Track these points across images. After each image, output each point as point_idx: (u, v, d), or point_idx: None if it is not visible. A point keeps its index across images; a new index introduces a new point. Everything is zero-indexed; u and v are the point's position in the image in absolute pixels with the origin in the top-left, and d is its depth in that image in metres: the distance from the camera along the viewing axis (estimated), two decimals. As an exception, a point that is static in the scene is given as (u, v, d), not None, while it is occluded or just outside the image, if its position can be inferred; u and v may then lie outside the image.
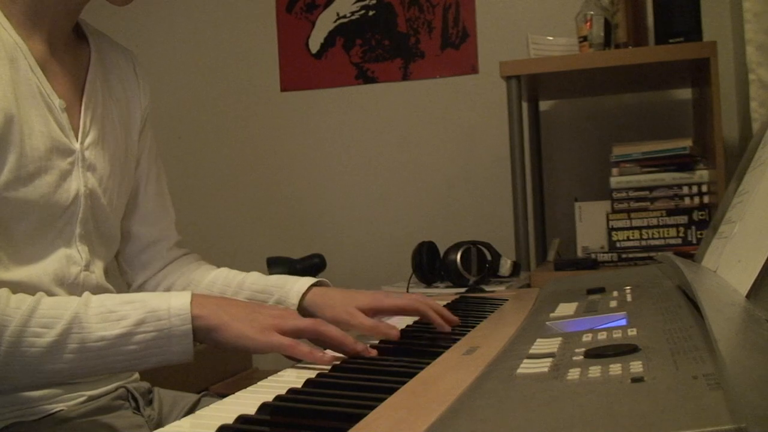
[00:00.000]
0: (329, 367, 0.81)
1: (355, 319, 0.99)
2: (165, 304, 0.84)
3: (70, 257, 0.96)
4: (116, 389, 1.04)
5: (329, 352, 0.86)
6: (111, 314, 0.83)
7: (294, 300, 1.06)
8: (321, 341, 0.88)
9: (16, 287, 0.86)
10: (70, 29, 1.02)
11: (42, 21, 0.95)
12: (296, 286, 1.08)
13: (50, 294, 0.88)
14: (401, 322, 1.06)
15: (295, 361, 0.87)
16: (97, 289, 0.99)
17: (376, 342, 0.93)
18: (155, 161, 1.18)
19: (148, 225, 1.16)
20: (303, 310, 1.06)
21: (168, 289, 1.16)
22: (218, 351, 0.89)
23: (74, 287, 0.96)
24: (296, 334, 0.86)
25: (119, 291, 0.99)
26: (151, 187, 1.16)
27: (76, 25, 1.04)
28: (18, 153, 0.88)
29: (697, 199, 1.94)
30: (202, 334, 0.85)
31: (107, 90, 1.07)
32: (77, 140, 0.97)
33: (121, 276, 1.18)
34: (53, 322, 0.82)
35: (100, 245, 1.03)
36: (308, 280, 1.09)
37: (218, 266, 1.20)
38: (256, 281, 1.12)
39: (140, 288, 1.17)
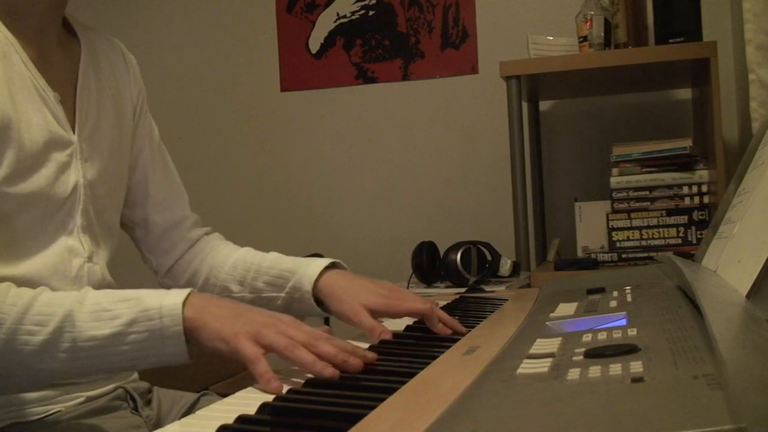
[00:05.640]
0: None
1: (357, 317, 0.99)
2: (157, 303, 0.81)
3: (72, 249, 0.96)
4: (114, 389, 1.03)
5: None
6: (104, 313, 0.81)
7: (308, 287, 1.06)
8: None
9: (19, 282, 0.85)
10: (59, 24, 1.02)
11: (28, 18, 0.95)
12: (309, 270, 1.07)
13: (54, 288, 0.87)
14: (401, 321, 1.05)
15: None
16: (101, 282, 0.99)
17: (376, 343, 0.93)
18: (158, 147, 1.18)
19: (162, 211, 1.15)
20: (316, 297, 1.06)
21: (194, 275, 1.16)
22: (208, 355, 0.84)
23: (78, 280, 0.95)
24: (269, 349, 0.80)
25: (122, 284, 0.97)
26: (158, 173, 1.16)
27: (65, 21, 1.05)
28: (16, 148, 0.88)
29: (697, 199, 1.94)
30: (188, 335, 0.81)
31: (99, 81, 1.07)
32: (74, 132, 0.98)
33: (146, 265, 1.17)
34: (47, 319, 0.80)
35: (102, 236, 1.03)
36: (321, 264, 1.07)
37: None
38: (273, 265, 1.12)
39: (168, 273, 1.17)
